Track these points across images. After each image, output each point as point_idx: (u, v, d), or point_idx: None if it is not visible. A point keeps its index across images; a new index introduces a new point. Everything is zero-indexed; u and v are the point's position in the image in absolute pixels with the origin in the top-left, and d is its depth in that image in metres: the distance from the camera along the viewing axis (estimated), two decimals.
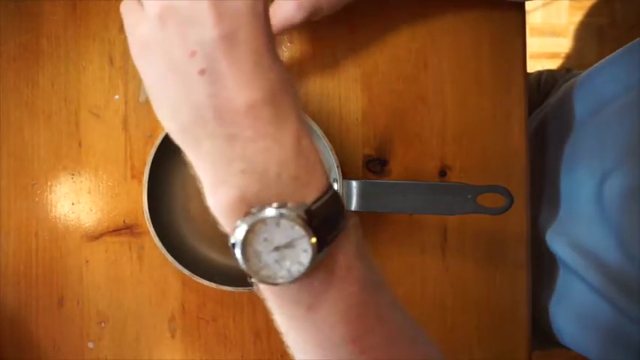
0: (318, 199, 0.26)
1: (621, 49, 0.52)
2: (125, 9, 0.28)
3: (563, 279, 0.56)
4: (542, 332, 0.64)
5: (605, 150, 0.49)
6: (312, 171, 0.26)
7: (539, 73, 0.80)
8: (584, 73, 0.58)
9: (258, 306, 0.53)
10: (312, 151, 0.27)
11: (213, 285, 0.48)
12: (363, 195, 0.46)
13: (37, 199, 0.53)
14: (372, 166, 0.53)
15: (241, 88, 0.25)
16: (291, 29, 0.45)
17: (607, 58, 0.55)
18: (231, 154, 0.26)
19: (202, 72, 0.25)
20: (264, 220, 0.25)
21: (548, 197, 0.57)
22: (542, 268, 0.58)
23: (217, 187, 0.26)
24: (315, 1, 0.43)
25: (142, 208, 0.49)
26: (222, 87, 0.25)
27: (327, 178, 0.27)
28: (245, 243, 0.26)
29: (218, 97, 0.25)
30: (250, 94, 0.25)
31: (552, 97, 0.68)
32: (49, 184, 0.53)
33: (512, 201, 0.43)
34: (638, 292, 0.46)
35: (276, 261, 0.26)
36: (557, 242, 0.54)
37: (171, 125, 0.27)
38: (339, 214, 0.27)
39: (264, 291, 0.28)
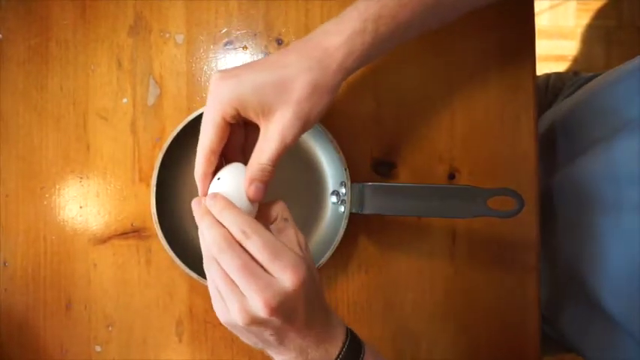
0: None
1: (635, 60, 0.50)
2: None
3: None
4: (551, 337, 0.64)
5: None
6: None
7: (547, 76, 0.79)
8: (596, 88, 0.56)
9: None
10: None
11: None
12: (371, 198, 0.46)
13: (45, 202, 0.53)
14: (380, 169, 0.53)
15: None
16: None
17: (621, 69, 0.53)
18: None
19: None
20: None
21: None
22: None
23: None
24: (300, 130, 0.38)
25: (150, 211, 0.49)
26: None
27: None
28: None
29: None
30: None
31: (560, 104, 0.67)
32: (57, 187, 0.53)
33: (522, 204, 0.43)
34: None
35: None
36: None
37: None
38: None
39: None
